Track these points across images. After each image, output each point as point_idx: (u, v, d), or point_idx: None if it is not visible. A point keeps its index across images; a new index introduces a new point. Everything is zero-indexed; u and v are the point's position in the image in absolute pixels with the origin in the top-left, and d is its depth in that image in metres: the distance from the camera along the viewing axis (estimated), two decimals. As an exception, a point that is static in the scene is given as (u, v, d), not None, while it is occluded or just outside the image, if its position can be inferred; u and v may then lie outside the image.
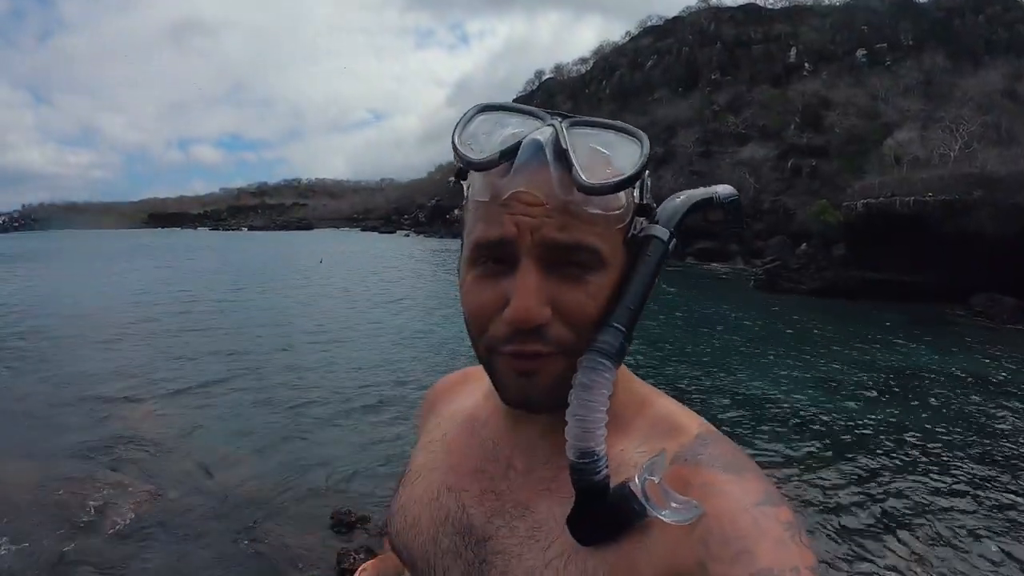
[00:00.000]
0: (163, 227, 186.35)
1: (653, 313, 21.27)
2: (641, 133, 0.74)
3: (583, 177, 0.69)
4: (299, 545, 6.15)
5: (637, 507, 0.68)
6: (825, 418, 10.61)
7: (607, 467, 0.71)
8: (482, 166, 0.73)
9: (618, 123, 0.75)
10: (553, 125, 0.72)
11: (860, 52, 66.46)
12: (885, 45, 66.76)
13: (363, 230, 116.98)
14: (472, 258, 0.77)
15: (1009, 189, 26.42)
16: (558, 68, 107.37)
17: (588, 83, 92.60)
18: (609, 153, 0.72)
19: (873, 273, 26.91)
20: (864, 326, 20.28)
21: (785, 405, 11.30)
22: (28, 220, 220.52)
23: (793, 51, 70.87)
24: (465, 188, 0.79)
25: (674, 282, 30.32)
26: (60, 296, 23.64)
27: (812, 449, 9.10)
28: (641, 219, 0.77)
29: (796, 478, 8.04)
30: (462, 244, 0.82)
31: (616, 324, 0.73)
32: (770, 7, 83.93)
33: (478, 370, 1.01)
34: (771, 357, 15.35)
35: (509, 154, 0.71)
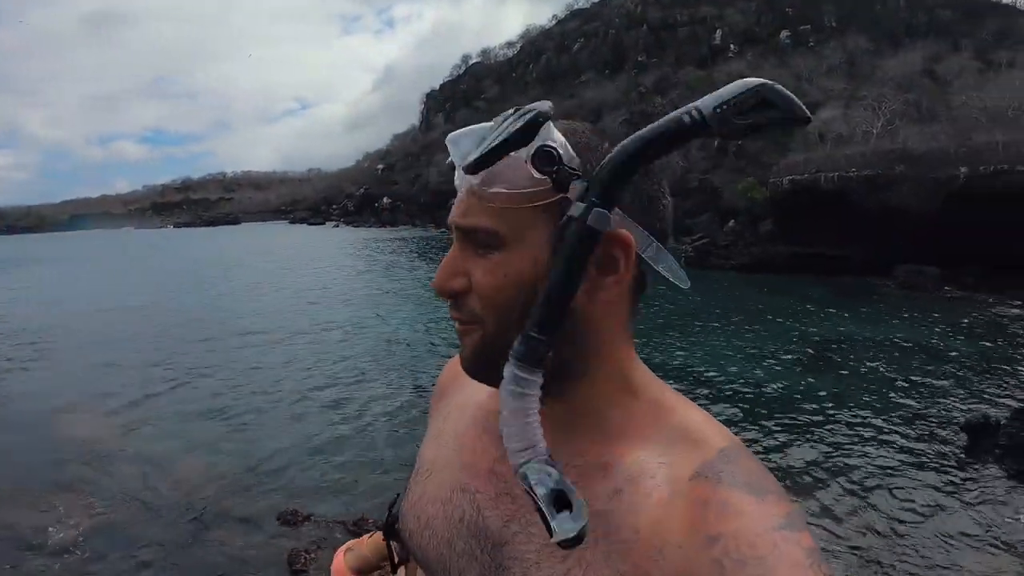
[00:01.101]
0: (85, 228, 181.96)
1: None
2: (533, 107, 0.68)
3: (461, 156, 0.74)
4: (248, 547, 6.07)
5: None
6: (756, 389, 10.77)
7: (539, 475, 0.65)
8: (453, 167, 0.79)
9: (519, 107, 0.71)
10: (454, 135, 0.78)
11: (784, 34, 67.38)
12: (809, 27, 67.79)
13: (291, 222, 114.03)
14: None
15: (929, 164, 26.77)
16: (485, 52, 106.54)
17: (515, 67, 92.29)
18: (486, 141, 0.70)
19: (800, 248, 27.19)
20: (792, 299, 20.51)
21: (715, 378, 11.47)
22: None
23: (719, 33, 71.47)
24: None
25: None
26: None
27: (743, 422, 9.12)
28: (573, 194, 0.68)
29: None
30: None
31: (530, 332, 0.68)
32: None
33: None
34: (701, 332, 15.59)
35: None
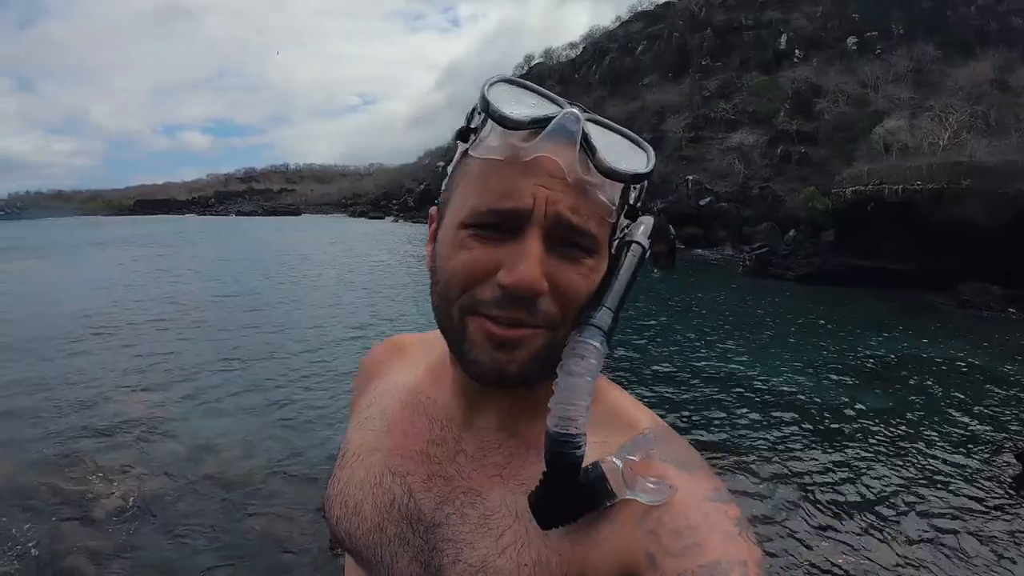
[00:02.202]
0: (150, 214, 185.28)
1: (639, 297, 21.41)
2: (647, 145, 0.79)
3: (607, 160, 0.74)
4: (290, 529, 6.20)
5: (608, 488, 0.68)
6: (809, 403, 10.70)
7: (585, 446, 0.69)
8: (512, 124, 0.74)
9: (628, 131, 0.79)
10: (575, 110, 0.74)
11: (851, 40, 66.19)
12: (876, 33, 66.57)
13: (352, 215, 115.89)
14: (472, 221, 0.76)
15: (998, 178, 26.37)
16: (548, 53, 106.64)
17: (578, 68, 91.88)
18: (619, 158, 0.76)
19: (861, 260, 26.99)
20: (850, 313, 20.45)
21: (770, 389, 11.40)
22: (14, 209, 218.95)
23: (784, 38, 70.53)
24: (461, 149, 0.81)
25: (662, 267, 30.07)
26: (61, 289, 23.51)
27: (795, 433, 9.16)
28: (625, 221, 0.81)
29: (778, 460, 8.09)
30: (445, 204, 0.82)
31: (608, 305, 0.74)
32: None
33: (413, 340, 1.07)
34: (758, 342, 15.51)
35: (539, 122, 0.73)
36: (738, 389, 11.22)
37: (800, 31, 70.53)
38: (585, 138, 0.74)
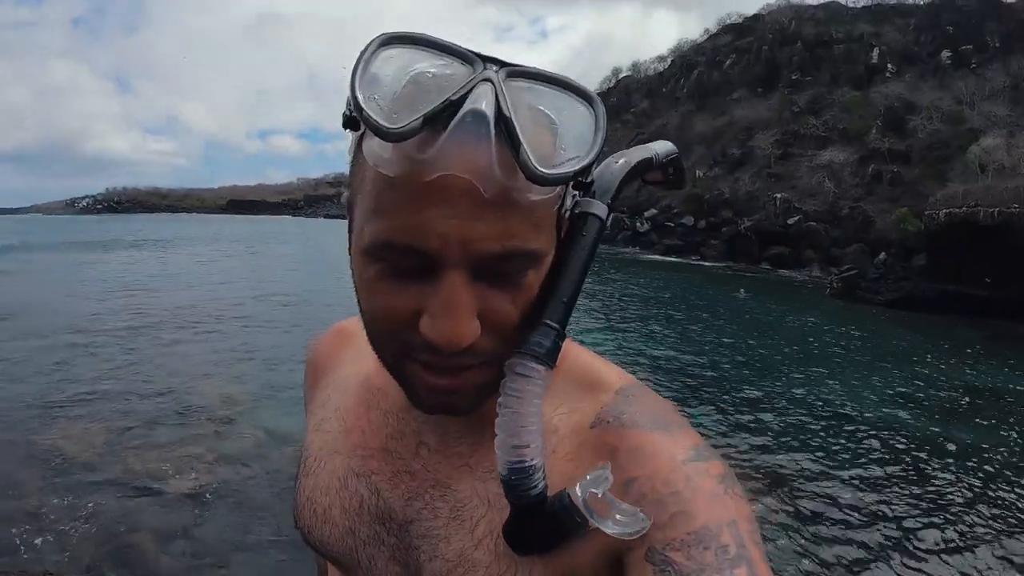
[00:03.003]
0: (241, 214, 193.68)
1: (721, 314, 21.90)
2: (593, 94, 0.62)
3: (534, 163, 0.56)
4: None
5: (579, 519, 0.63)
6: (896, 434, 10.45)
7: (544, 479, 0.64)
8: (395, 136, 0.56)
9: (564, 77, 0.62)
10: (489, 79, 0.58)
11: (945, 54, 64.64)
12: (971, 47, 65.06)
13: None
14: (373, 253, 0.64)
15: (1103, 203, 25.88)
16: (635, 66, 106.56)
17: (666, 81, 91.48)
18: (554, 117, 0.61)
19: (955, 286, 26.62)
20: (941, 341, 20.06)
21: (854, 418, 11.18)
22: (111, 203, 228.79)
23: (876, 52, 69.29)
24: (354, 138, 0.66)
25: (748, 287, 30.35)
26: (155, 280, 24.83)
27: (881, 464, 8.99)
28: (576, 192, 0.69)
29: (862, 495, 8.02)
30: (351, 215, 0.69)
31: (548, 322, 0.65)
32: (852, 6, 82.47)
33: (355, 326, 0.96)
34: (844, 368, 15.25)
35: (434, 120, 0.56)
36: (820, 416, 11.00)
37: (892, 45, 69.40)
38: (504, 125, 0.57)
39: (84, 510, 5.99)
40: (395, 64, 0.59)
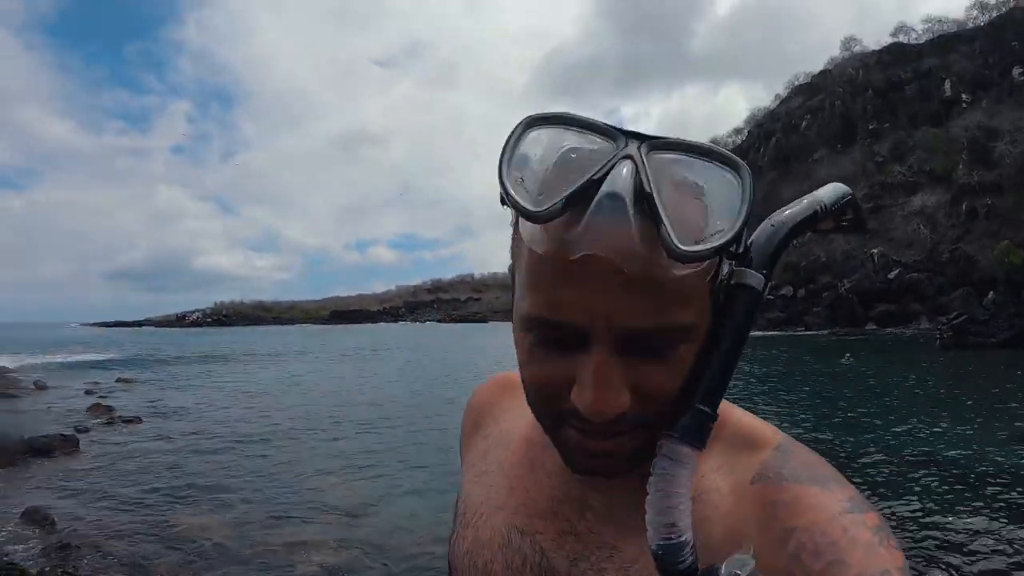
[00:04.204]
0: (344, 323, 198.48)
1: (828, 385, 21.04)
2: (739, 161, 0.60)
3: (675, 240, 0.55)
4: None
5: None
6: (1013, 479, 9.66)
7: (693, 555, 0.61)
8: (540, 218, 0.57)
9: (709, 145, 0.61)
10: (631, 155, 0.57)
11: (1017, 70, 63.48)
12: (1043, 57, 63.95)
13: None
14: (528, 326, 0.66)
15: None
16: (714, 142, 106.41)
17: (745, 153, 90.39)
18: (701, 184, 0.60)
19: (1071, 312, 25.49)
20: None
21: (965, 464, 10.62)
22: (220, 316, 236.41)
23: (947, 84, 68.71)
24: (512, 215, 0.68)
25: (853, 352, 29.68)
26: (274, 388, 25.32)
27: (1006, 514, 8.21)
28: (731, 261, 0.66)
29: (993, 541, 7.43)
30: (513, 286, 0.72)
31: (700, 406, 0.64)
32: (915, 42, 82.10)
33: (518, 379, 0.86)
34: (956, 417, 14.53)
35: (576, 201, 0.56)
36: (939, 469, 10.35)
37: (962, 73, 68.68)
38: (643, 202, 0.55)
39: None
40: (542, 145, 0.62)
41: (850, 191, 0.71)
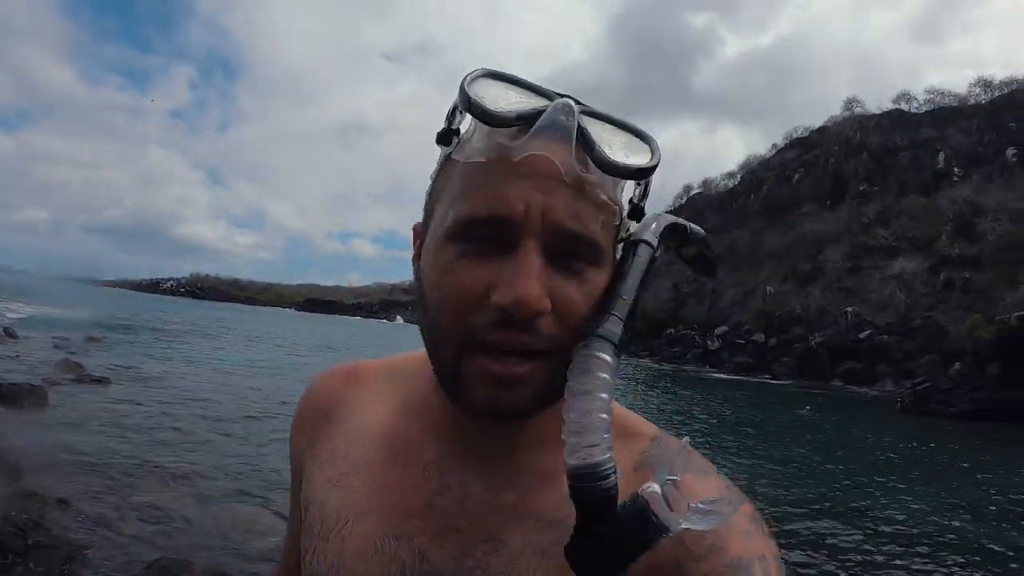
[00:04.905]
0: (316, 312, 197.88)
1: (784, 433, 21.42)
2: (651, 136, 0.71)
3: (607, 154, 0.65)
4: None
5: (656, 521, 0.57)
6: (970, 547, 10.20)
7: (615, 473, 0.59)
8: (498, 121, 0.65)
9: (629, 122, 0.71)
10: (570, 103, 0.66)
11: (1010, 151, 64.38)
12: (1037, 141, 64.82)
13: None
14: (451, 235, 0.68)
15: None
16: (706, 182, 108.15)
17: (735, 197, 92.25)
18: (621, 151, 0.68)
19: (1030, 394, 25.72)
20: (1015, 450, 19.84)
21: (920, 530, 10.93)
22: (194, 288, 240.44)
23: (941, 156, 69.63)
24: (444, 153, 0.73)
25: (814, 405, 29.79)
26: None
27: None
28: (630, 222, 0.73)
29: None
30: (429, 216, 0.75)
31: (615, 313, 0.65)
32: (915, 112, 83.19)
33: (371, 368, 0.96)
34: (908, 483, 14.98)
35: (527, 117, 0.65)
36: (884, 530, 10.76)
37: (957, 148, 69.61)
38: (581, 132, 0.65)
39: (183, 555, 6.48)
40: (493, 91, 0.68)
41: (704, 233, 0.76)
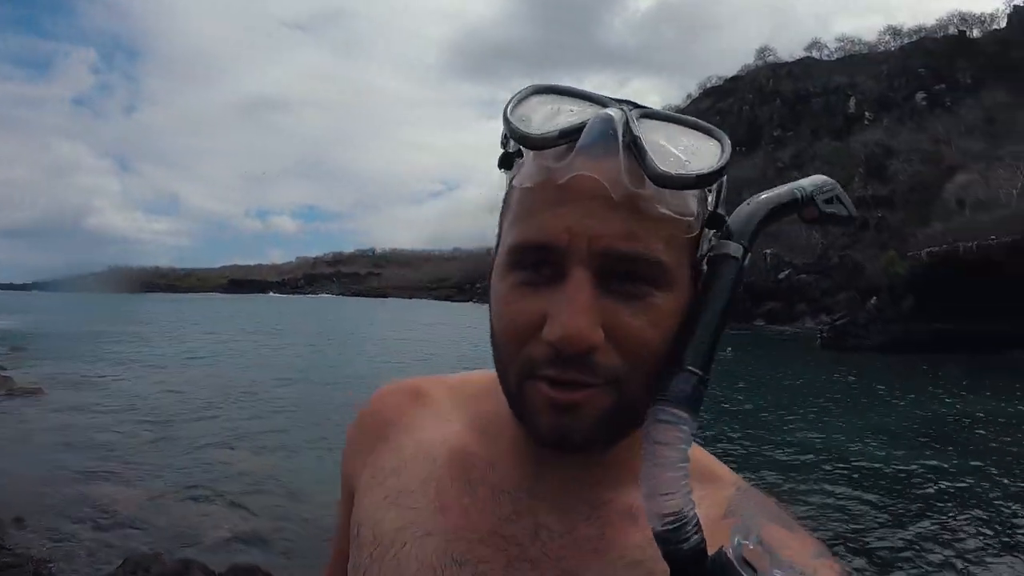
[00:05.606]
0: (241, 293, 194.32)
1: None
2: (721, 132, 0.64)
3: (658, 165, 0.58)
4: None
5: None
6: (877, 468, 10.77)
7: (699, 532, 0.57)
8: (538, 143, 0.61)
9: (694, 119, 0.65)
10: (623, 110, 0.61)
11: (919, 95, 66.22)
12: (944, 86, 66.47)
13: (437, 299, 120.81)
14: (509, 263, 0.65)
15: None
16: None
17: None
18: (683, 156, 0.61)
19: (942, 324, 26.73)
20: (929, 379, 20.35)
21: (843, 460, 11.35)
22: (113, 281, 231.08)
23: (852, 101, 70.97)
24: (507, 180, 0.69)
25: (737, 346, 29.27)
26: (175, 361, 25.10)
27: (872, 501, 9.20)
28: (710, 232, 0.65)
29: (854, 528, 8.21)
30: (497, 242, 0.71)
31: (690, 367, 0.60)
32: (827, 59, 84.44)
33: (435, 385, 0.91)
34: (828, 416, 15.44)
35: (571, 133, 0.60)
36: (808, 461, 11.20)
37: (868, 92, 70.91)
38: (632, 141, 0.59)
39: (142, 554, 6.45)
40: (544, 108, 0.65)
41: (834, 183, 0.68)
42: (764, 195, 0.67)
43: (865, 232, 45.40)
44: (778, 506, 0.68)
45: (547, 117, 0.63)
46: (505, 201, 0.69)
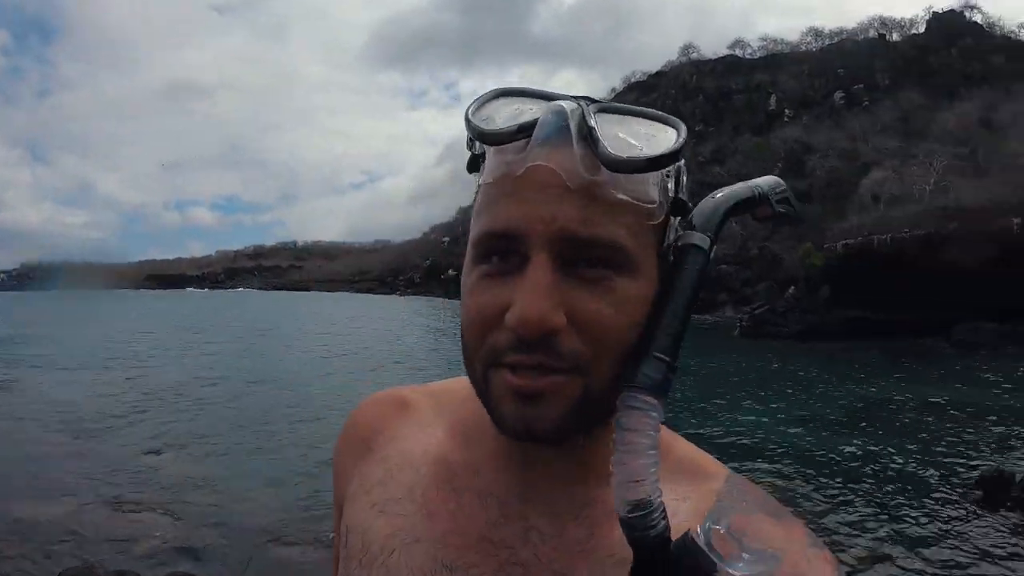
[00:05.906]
0: (159, 288, 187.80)
1: None
2: (677, 120, 0.65)
3: (610, 151, 0.60)
4: (304, 561, 6.91)
5: (705, 562, 0.57)
6: (797, 452, 11.08)
7: (665, 518, 0.59)
8: (496, 138, 0.63)
9: (652, 110, 0.66)
10: (578, 104, 0.63)
11: (838, 95, 68.10)
12: (862, 86, 68.31)
13: (359, 292, 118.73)
14: (476, 255, 0.67)
15: (981, 217, 27.22)
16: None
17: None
18: (637, 143, 0.62)
19: (856, 312, 27.42)
20: (844, 365, 20.82)
21: (758, 444, 11.73)
22: (26, 279, 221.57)
23: (773, 99, 72.44)
24: (476, 181, 0.70)
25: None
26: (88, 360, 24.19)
27: (799, 483, 9.51)
28: (676, 221, 0.67)
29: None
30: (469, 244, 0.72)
31: (657, 354, 0.62)
32: (750, 57, 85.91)
33: (417, 394, 0.91)
34: (749, 402, 15.88)
35: (528, 128, 0.62)
36: (726, 448, 11.37)
37: (789, 91, 72.44)
38: (587, 132, 0.61)
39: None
40: (506, 109, 0.66)
41: (785, 184, 0.71)
42: (725, 190, 0.68)
43: (783, 225, 45.98)
44: (769, 498, 0.69)
45: (510, 117, 0.64)
46: (473, 203, 0.70)
